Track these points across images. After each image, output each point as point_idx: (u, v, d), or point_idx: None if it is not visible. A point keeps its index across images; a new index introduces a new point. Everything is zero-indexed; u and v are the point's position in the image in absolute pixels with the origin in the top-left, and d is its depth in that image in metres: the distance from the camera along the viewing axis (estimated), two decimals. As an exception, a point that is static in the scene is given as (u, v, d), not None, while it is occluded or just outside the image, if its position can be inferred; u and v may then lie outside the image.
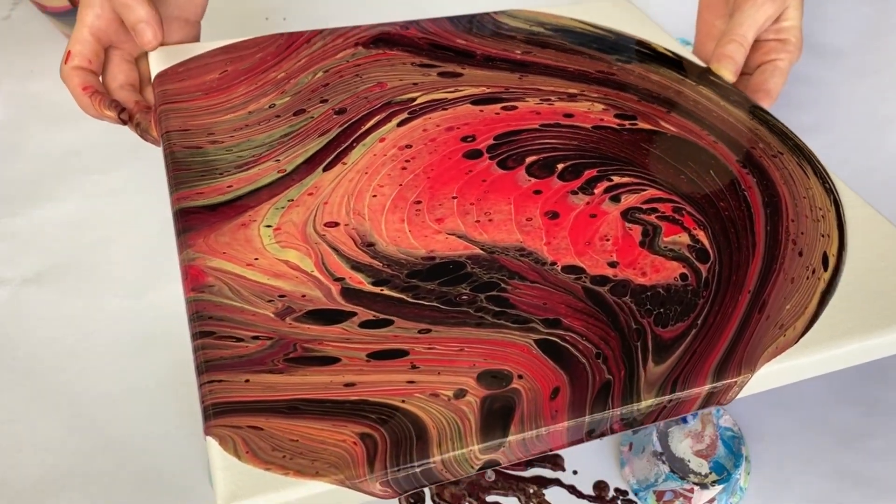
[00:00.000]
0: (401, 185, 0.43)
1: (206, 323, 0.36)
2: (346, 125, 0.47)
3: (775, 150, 0.47)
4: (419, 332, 0.37)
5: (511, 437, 0.33)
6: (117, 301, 0.57)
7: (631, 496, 0.48)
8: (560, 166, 0.44)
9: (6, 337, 0.56)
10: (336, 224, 0.42)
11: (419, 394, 0.34)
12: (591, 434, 0.34)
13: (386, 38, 0.55)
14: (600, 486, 0.49)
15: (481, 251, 0.39)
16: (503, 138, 0.45)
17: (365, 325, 0.37)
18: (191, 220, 0.41)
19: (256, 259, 0.40)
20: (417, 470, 0.32)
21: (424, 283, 0.38)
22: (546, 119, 0.47)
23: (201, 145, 0.47)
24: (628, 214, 0.41)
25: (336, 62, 0.53)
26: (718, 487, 0.45)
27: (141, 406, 0.53)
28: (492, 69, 0.52)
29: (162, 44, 0.50)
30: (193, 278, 0.38)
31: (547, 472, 0.49)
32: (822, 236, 0.43)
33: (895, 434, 0.50)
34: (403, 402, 0.34)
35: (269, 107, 0.49)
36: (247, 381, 0.35)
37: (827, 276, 0.40)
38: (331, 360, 0.36)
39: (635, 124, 0.47)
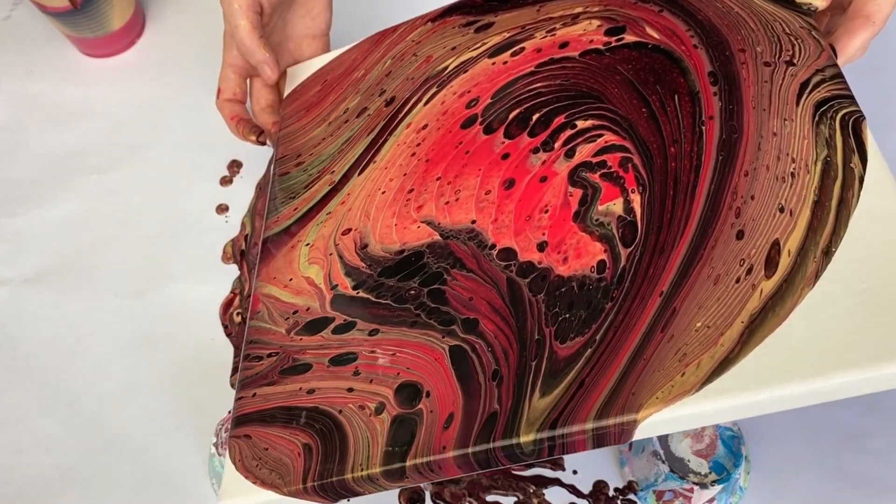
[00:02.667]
0: (405, 174, 0.42)
1: (248, 347, 0.40)
2: (388, 117, 0.46)
3: (775, 58, 0.36)
4: (369, 333, 0.37)
5: (408, 470, 0.33)
6: (117, 301, 0.57)
7: (631, 496, 0.48)
8: (535, 117, 0.41)
9: (6, 337, 0.56)
10: (349, 231, 0.42)
11: (352, 404, 0.35)
12: (483, 465, 0.33)
13: (453, 7, 0.51)
14: (600, 485, 0.49)
15: (440, 237, 0.39)
16: (499, 93, 0.43)
17: (336, 330, 0.38)
18: (266, 249, 0.44)
19: (291, 280, 0.41)
20: (337, 487, 0.34)
21: (389, 279, 0.39)
22: (543, 56, 0.43)
23: (288, 170, 0.47)
24: (575, 174, 0.37)
25: (404, 45, 0.51)
26: (718, 487, 0.45)
27: (141, 406, 0.53)
28: (519, 8, 0.47)
29: (296, 61, 0.55)
30: (251, 307, 0.41)
31: (547, 472, 0.49)
32: (781, 211, 0.31)
33: (895, 434, 0.50)
34: (340, 412, 0.35)
35: (344, 112, 0.49)
36: (254, 395, 0.38)
37: (769, 286, 0.29)
38: (306, 368, 0.37)
39: (621, 39, 0.42)
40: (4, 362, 0.55)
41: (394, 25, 0.52)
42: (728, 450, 0.46)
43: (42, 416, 0.52)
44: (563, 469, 0.49)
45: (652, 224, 0.34)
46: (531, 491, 0.48)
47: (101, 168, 0.63)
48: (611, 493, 0.49)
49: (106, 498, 0.50)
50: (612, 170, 0.37)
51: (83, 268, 0.58)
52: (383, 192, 0.42)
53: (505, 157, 0.40)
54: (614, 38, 0.42)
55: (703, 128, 0.35)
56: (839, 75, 0.35)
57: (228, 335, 0.55)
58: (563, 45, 0.43)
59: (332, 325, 0.38)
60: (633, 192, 0.35)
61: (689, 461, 0.45)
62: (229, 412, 0.47)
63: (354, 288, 0.39)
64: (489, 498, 0.48)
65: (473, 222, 0.38)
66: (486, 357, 0.34)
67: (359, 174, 0.44)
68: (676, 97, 0.37)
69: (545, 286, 0.35)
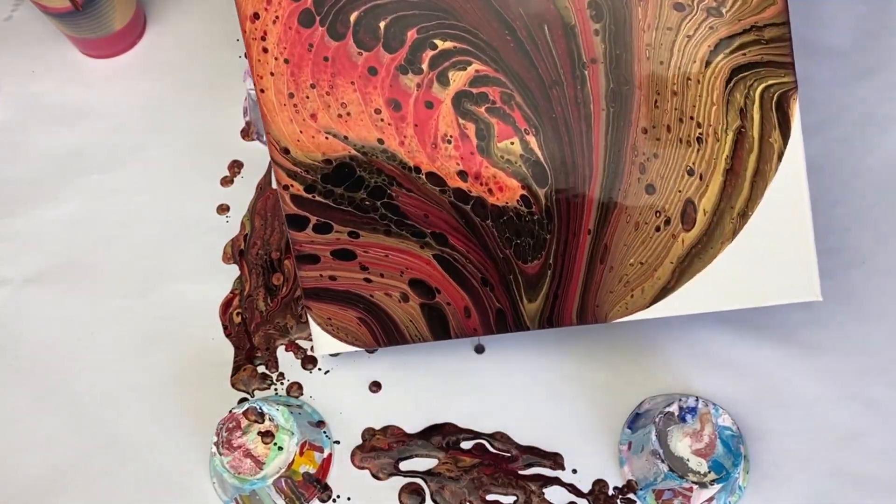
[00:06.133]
0: (271, 73, 0.40)
1: None
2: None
3: (692, 0, 0.31)
4: (349, 234, 0.41)
5: (454, 338, 0.39)
6: (117, 301, 0.57)
7: (630, 495, 0.48)
8: (382, 25, 0.37)
9: (7, 337, 0.56)
10: (267, 133, 0.42)
11: (378, 291, 0.40)
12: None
13: None
14: (600, 484, 0.49)
15: (357, 153, 0.40)
16: None
17: (315, 229, 0.41)
18: None
19: None
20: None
21: (335, 187, 0.41)
22: None
23: None
24: (460, 105, 0.37)
25: None
26: (717, 486, 0.45)
27: (141, 406, 0.53)
28: None
29: None
30: None
31: (547, 471, 0.49)
32: (690, 174, 0.33)
33: (895, 434, 0.50)
34: (372, 296, 0.40)
35: None
36: (299, 277, 0.42)
37: (690, 237, 0.34)
38: (314, 259, 0.41)
39: None
40: (5, 362, 0.55)
41: None
42: (727, 449, 0.46)
43: (42, 416, 0.52)
44: (563, 468, 0.49)
45: (557, 168, 0.36)
46: (531, 490, 0.48)
47: (102, 168, 0.63)
48: (610, 492, 0.49)
49: (106, 498, 0.50)
50: (496, 105, 0.36)
51: (84, 268, 0.58)
52: (263, 91, 0.40)
53: (372, 71, 0.38)
54: None
55: (585, 72, 0.33)
56: (782, 38, 0.30)
57: (228, 335, 0.55)
58: None
59: (311, 224, 0.41)
60: (527, 134, 0.36)
61: (688, 460, 0.45)
62: (230, 412, 0.47)
63: (307, 191, 0.41)
64: (489, 497, 0.48)
65: (381, 142, 0.39)
66: (469, 267, 0.38)
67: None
68: (546, 28, 0.34)
69: (487, 213, 0.38)
